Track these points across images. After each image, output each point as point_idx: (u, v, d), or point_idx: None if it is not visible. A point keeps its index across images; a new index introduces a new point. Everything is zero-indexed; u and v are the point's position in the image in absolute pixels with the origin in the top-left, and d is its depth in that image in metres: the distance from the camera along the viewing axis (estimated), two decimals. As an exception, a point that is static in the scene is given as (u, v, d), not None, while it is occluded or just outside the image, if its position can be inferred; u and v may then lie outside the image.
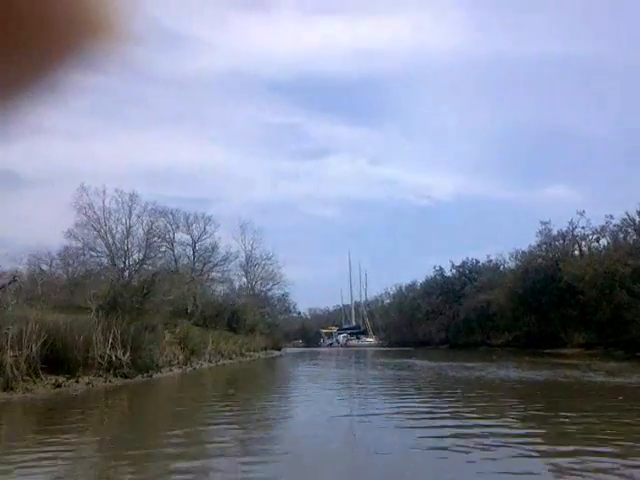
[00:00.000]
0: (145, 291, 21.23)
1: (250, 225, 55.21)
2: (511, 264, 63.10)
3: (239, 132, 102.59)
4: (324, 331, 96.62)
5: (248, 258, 54.62)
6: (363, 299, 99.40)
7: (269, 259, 55.31)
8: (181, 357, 20.98)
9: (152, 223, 32.41)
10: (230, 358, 28.09)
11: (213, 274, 43.67)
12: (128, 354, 17.50)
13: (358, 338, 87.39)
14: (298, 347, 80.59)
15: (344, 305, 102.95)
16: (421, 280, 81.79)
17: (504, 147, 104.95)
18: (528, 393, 15.49)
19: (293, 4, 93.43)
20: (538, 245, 53.99)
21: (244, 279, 53.56)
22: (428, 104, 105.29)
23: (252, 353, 34.37)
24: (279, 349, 53.55)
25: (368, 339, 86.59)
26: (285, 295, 62.63)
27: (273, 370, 29.49)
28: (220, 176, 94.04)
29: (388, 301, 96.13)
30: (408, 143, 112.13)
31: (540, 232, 52.37)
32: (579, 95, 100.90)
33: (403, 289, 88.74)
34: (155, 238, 32.08)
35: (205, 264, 41.63)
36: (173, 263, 39.62)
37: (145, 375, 19.12)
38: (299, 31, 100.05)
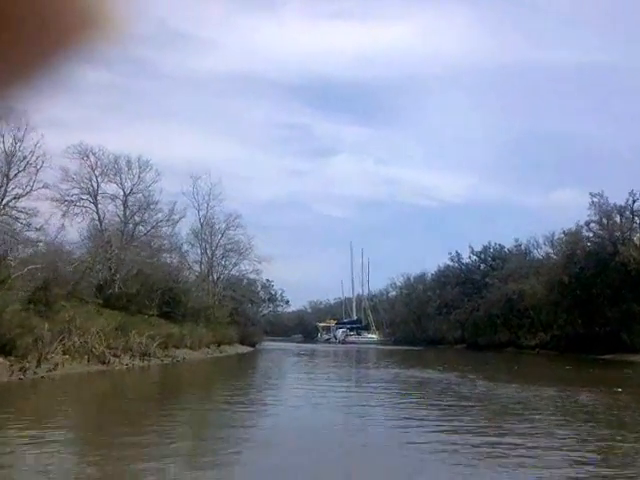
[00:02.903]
0: None
1: (208, 178, 39.87)
2: (546, 249, 51.99)
3: (245, 130, 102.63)
4: (321, 325, 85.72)
5: (203, 221, 39.87)
6: (365, 291, 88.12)
7: (233, 224, 40.82)
8: None
9: (17, 139, 21.05)
10: (104, 362, 16.43)
11: (164, 241, 32.30)
12: None
13: (359, 334, 76.99)
14: (295, 342, 70.65)
15: (345, 297, 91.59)
16: (433, 270, 70.23)
17: (512, 151, 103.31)
18: None
19: (301, 7, 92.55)
20: (586, 223, 42.24)
21: (198, 250, 39.95)
22: (437, 107, 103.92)
23: (184, 350, 22.83)
24: (253, 345, 42.05)
25: (370, 335, 75.97)
26: (269, 281, 51.14)
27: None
28: (223, 172, 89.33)
29: (394, 293, 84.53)
30: (415, 145, 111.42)
31: (592, 204, 40.49)
32: (595, 102, 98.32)
33: (412, 280, 76.97)
34: (22, 163, 20.82)
35: (137, 225, 29.51)
36: (97, 223, 28.51)
37: None
38: (307, 34, 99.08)
